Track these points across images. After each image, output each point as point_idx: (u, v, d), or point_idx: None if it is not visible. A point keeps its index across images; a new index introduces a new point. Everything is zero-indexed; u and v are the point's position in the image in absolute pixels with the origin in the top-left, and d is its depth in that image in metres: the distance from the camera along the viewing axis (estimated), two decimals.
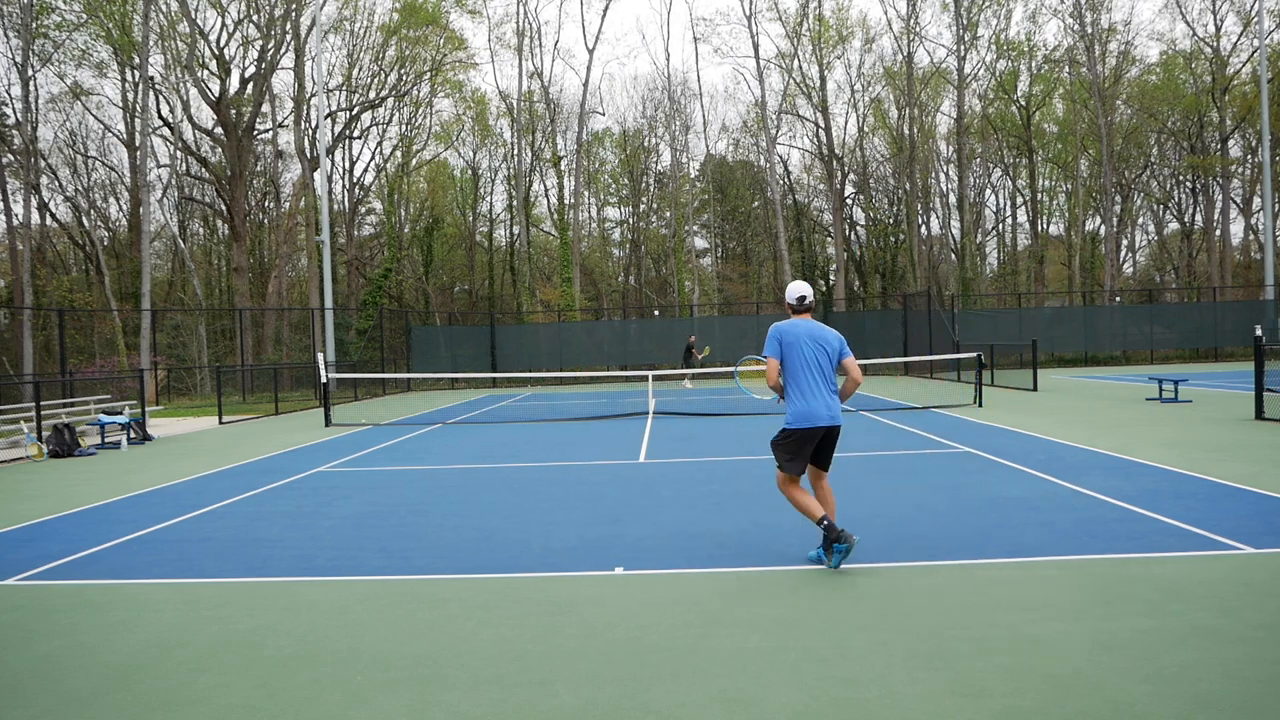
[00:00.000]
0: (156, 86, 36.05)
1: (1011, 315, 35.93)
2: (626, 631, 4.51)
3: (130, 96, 38.38)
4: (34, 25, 33.68)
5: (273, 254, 44.57)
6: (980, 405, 17.13)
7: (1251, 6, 40.26)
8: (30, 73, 34.30)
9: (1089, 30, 42.43)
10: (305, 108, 37.26)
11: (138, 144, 34.28)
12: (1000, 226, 56.86)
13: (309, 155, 36.70)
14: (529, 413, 19.85)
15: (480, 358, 33.66)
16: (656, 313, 41.44)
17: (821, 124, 45.16)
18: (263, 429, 17.85)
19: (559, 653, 4.23)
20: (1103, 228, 45.69)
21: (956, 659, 3.96)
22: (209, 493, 9.49)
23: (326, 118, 37.64)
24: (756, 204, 54.43)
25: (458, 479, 10.03)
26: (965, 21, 42.89)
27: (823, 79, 44.33)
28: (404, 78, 41.82)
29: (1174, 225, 53.28)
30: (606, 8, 47.75)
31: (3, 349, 34.42)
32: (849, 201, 49.63)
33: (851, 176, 48.66)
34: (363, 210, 48.16)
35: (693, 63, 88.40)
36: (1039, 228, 50.32)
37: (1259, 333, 13.30)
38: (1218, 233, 45.00)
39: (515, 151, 44.47)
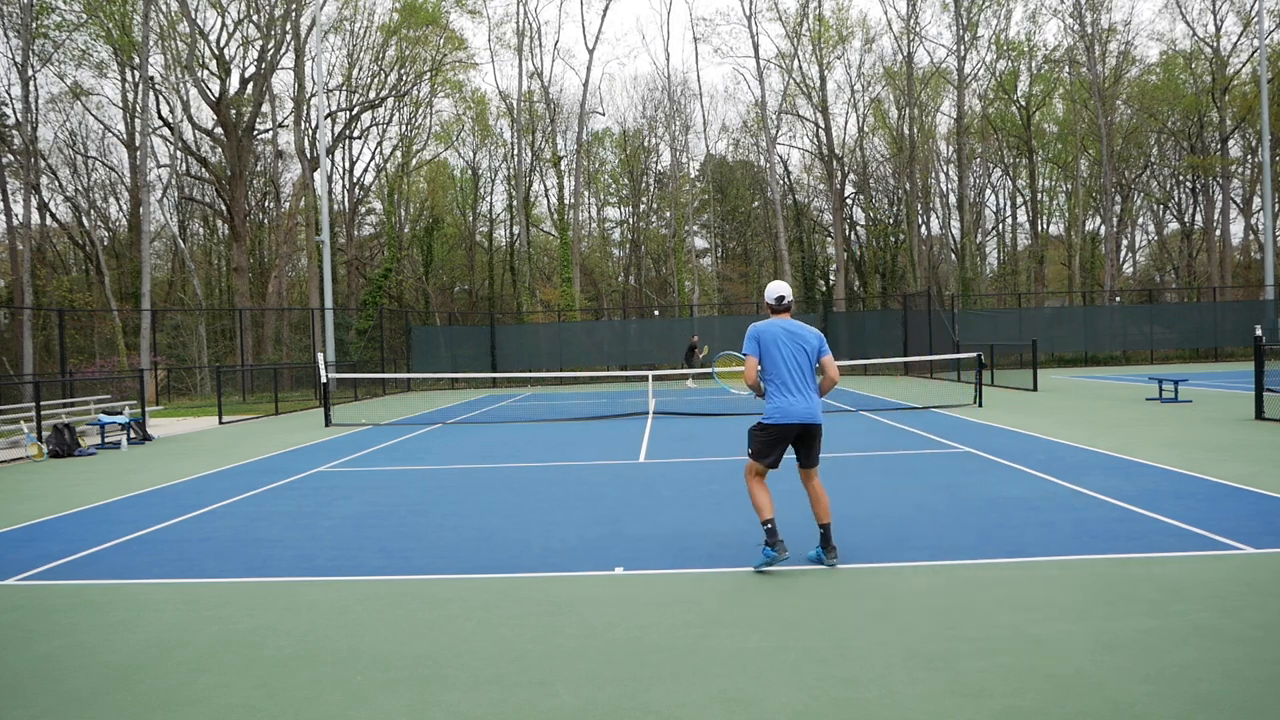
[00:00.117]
0: (156, 86, 36.06)
1: (1011, 315, 35.92)
2: (626, 631, 4.50)
3: (130, 96, 38.41)
4: (34, 25, 33.68)
5: (273, 254, 44.57)
6: (980, 405, 17.12)
7: (1251, 6, 40.27)
8: (30, 73, 34.30)
9: (1089, 30, 42.43)
10: (305, 108, 37.26)
11: (138, 144, 34.28)
12: (1000, 226, 56.93)
13: (309, 155, 36.70)
14: (529, 413, 19.85)
15: (480, 358, 33.66)
16: (656, 313, 41.45)
17: (821, 124, 45.18)
18: (263, 429, 17.85)
19: (559, 653, 4.23)
20: (1103, 228, 45.69)
21: (956, 659, 3.95)
22: (209, 493, 9.49)
23: (326, 118, 37.65)
24: (756, 204, 54.44)
25: (458, 479, 10.03)
26: (965, 21, 42.90)
27: (823, 79, 44.34)
28: (404, 78, 41.84)
29: (1174, 225, 53.34)
30: (606, 8, 47.83)
31: (3, 349, 34.42)
32: (849, 201, 49.63)
33: (851, 176, 48.66)
34: (363, 210, 48.19)
35: (693, 63, 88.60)
36: (1039, 228, 50.33)
37: (1259, 333, 13.29)
38: (1218, 233, 45.00)
39: (515, 151, 44.47)
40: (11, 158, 35.57)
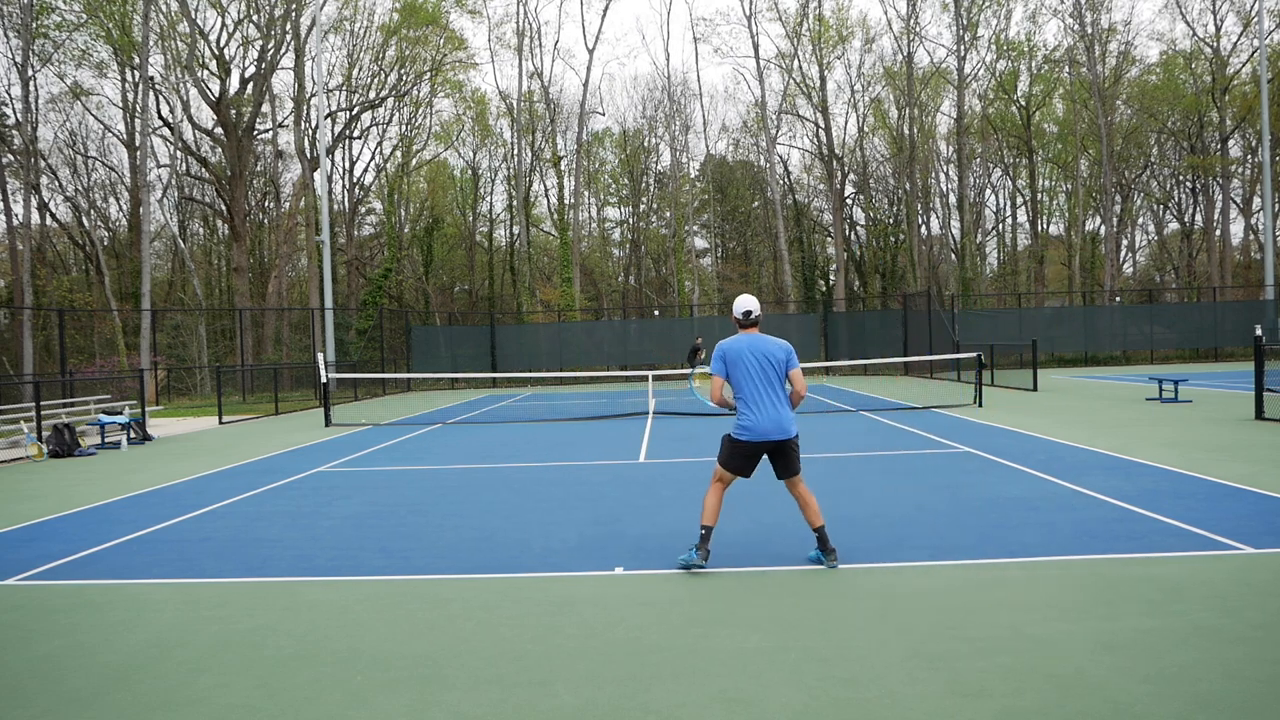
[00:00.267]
0: (156, 86, 36.06)
1: (1011, 315, 35.93)
2: (626, 631, 4.50)
3: (130, 96, 38.41)
4: (34, 25, 33.68)
5: (273, 254, 44.57)
6: (980, 405, 17.13)
7: (1251, 6, 40.28)
8: (30, 73, 34.31)
9: (1089, 30, 42.44)
10: (305, 108, 37.26)
11: (138, 144, 34.27)
12: (1000, 226, 56.92)
13: (309, 155, 36.70)
14: (529, 413, 19.85)
15: (480, 358, 33.66)
16: (656, 313, 41.45)
17: (821, 124, 45.18)
18: (263, 429, 17.85)
19: (559, 653, 4.23)
20: (1103, 228, 45.69)
21: (956, 659, 3.95)
22: (209, 493, 9.49)
23: (326, 118, 37.65)
24: (756, 204, 54.44)
25: (458, 479, 10.03)
26: (965, 21, 42.90)
27: (823, 79, 44.33)
28: (404, 78, 41.84)
29: (1174, 225, 53.35)
30: (606, 8, 47.84)
31: (3, 349, 34.42)
32: (849, 201, 49.63)
33: (851, 176, 48.66)
34: (363, 210, 48.19)
35: (693, 63, 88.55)
36: (1039, 228, 50.33)
37: (1259, 333, 13.29)
38: (1218, 233, 45.00)
39: (515, 151, 44.47)
40: (11, 158, 35.57)
